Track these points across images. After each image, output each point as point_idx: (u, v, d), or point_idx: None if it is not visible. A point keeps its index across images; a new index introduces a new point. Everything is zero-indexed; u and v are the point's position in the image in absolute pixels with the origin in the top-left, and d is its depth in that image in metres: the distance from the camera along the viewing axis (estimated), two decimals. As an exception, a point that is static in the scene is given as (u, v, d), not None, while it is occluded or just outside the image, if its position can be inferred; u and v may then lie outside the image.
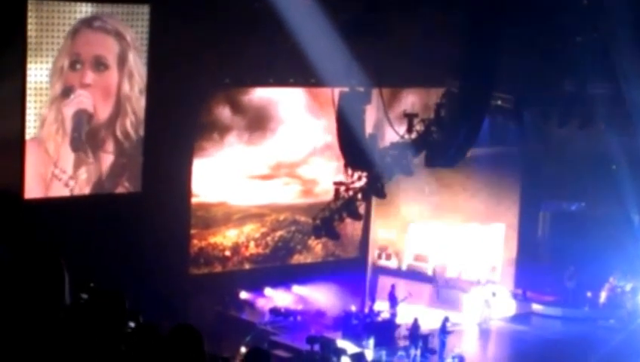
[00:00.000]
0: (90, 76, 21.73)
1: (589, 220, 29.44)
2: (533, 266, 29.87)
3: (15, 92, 21.79)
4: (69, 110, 21.82)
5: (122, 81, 22.23)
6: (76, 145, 22.09)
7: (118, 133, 22.53)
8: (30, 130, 21.72)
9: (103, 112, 22.34)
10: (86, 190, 22.92)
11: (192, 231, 25.86)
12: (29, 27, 21.25)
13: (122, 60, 22.07)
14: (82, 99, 21.71)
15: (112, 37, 21.95)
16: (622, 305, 29.15)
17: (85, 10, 21.71)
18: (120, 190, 23.74)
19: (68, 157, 22.31)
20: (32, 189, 22.12)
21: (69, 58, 21.57)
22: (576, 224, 29.73)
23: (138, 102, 22.65)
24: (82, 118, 21.84)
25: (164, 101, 23.62)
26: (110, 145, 22.69)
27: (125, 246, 23.07)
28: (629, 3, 24.33)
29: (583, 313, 29.15)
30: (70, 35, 21.57)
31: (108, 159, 22.85)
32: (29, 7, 21.32)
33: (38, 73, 21.49)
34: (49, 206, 22.44)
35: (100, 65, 21.80)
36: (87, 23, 21.76)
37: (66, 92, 21.58)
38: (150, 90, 23.40)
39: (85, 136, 22.09)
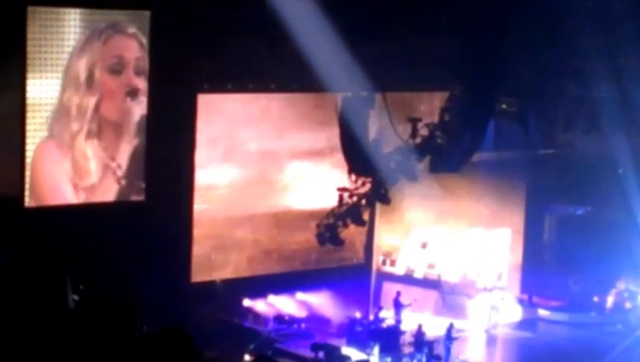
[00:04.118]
0: (135, 80, 22.15)
1: (596, 224, 29.28)
2: (539, 271, 29.71)
3: (15, 101, 21.83)
4: (137, 111, 22.32)
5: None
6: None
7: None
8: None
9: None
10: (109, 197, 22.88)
11: (195, 239, 25.68)
12: (29, 35, 21.23)
13: (144, 65, 22.44)
14: (144, 106, 22.37)
15: (137, 43, 22.29)
16: (629, 310, 28.98)
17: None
18: (123, 198, 23.68)
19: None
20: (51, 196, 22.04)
21: (104, 62, 21.75)
22: (582, 228, 29.57)
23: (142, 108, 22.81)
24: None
25: (166, 108, 23.57)
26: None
27: (127, 254, 22.96)
28: (634, 6, 24.30)
29: (590, 318, 28.98)
30: (101, 39, 21.73)
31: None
32: (29, 14, 21.32)
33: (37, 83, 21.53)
34: (51, 214, 22.37)
35: (139, 69, 22.22)
36: (115, 28, 22.00)
37: (133, 94, 22.07)
38: (152, 98, 23.38)
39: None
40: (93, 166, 22.27)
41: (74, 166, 22.05)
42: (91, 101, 21.73)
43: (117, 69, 21.88)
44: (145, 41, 22.37)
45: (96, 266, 21.43)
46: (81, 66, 21.58)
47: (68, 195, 22.06)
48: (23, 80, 21.53)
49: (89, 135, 21.94)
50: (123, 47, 22.09)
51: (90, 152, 22.15)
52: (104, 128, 22.20)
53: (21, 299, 4.47)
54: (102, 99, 21.87)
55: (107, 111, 22.11)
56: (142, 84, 22.28)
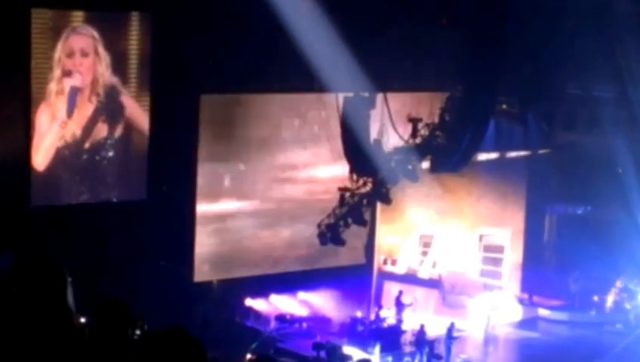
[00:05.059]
0: (79, 61, 23.40)
1: (596, 224, 29.29)
2: (540, 270, 29.77)
3: (20, 104, 22.17)
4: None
5: (96, 63, 23.49)
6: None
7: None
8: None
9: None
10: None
11: (197, 238, 25.77)
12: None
13: (95, 50, 23.46)
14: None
15: (89, 37, 23.35)
16: (629, 310, 29.02)
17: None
18: (125, 197, 23.79)
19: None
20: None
21: (65, 51, 23.12)
22: (582, 228, 29.58)
23: (108, 78, 23.56)
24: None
25: (168, 108, 23.71)
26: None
27: (130, 253, 23.06)
28: (634, 6, 24.38)
29: (590, 317, 29.02)
30: (64, 37, 22.97)
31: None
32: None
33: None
34: (55, 212, 22.50)
35: (84, 53, 23.39)
36: (73, 30, 23.19)
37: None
38: (153, 99, 23.54)
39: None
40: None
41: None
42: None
43: (70, 55, 23.49)
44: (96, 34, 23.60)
45: (98, 265, 21.57)
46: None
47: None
48: (27, 83, 21.84)
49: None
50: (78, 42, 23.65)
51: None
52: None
53: (25, 299, 4.53)
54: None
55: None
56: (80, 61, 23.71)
